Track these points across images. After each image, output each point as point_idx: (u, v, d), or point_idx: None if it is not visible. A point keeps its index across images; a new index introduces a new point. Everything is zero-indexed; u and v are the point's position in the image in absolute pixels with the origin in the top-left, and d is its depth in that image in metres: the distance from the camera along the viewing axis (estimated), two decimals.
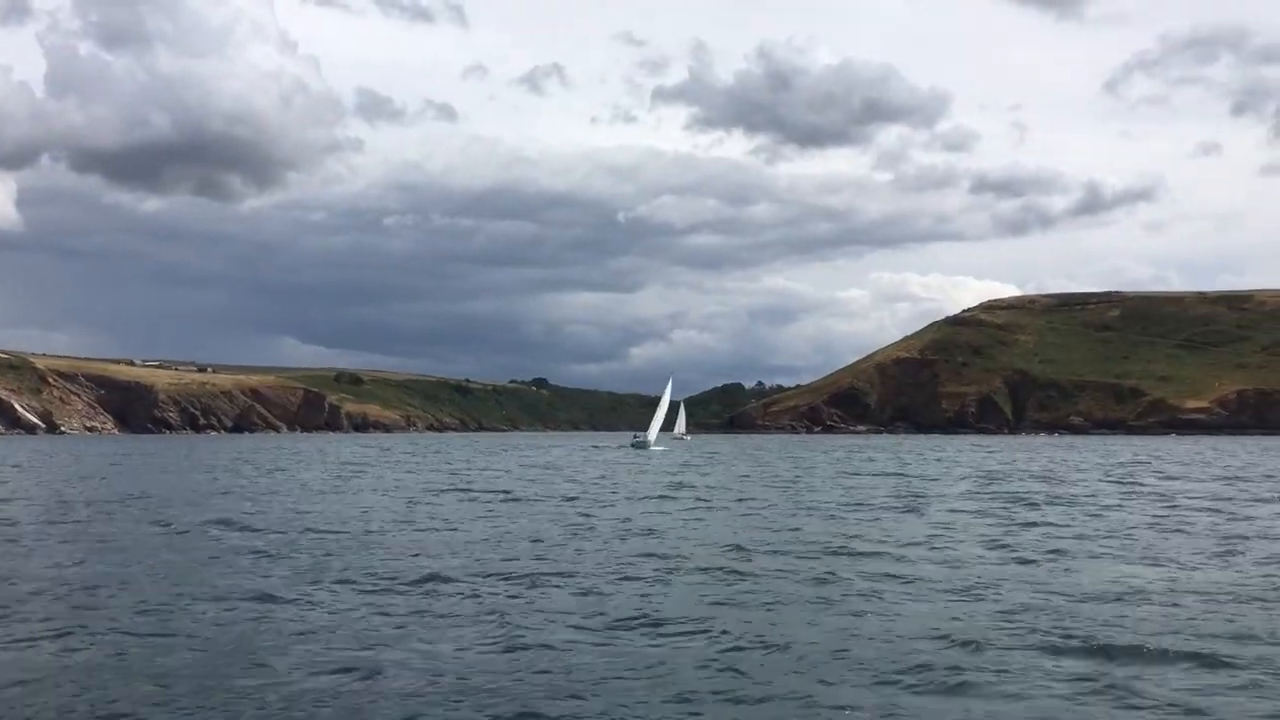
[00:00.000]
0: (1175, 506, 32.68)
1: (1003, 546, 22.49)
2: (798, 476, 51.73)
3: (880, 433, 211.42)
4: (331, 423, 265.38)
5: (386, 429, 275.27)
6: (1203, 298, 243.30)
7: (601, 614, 14.96)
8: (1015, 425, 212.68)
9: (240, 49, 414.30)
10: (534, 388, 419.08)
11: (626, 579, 18.00)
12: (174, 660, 12.39)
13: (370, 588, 17.10)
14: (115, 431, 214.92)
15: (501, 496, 37.05)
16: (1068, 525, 26.90)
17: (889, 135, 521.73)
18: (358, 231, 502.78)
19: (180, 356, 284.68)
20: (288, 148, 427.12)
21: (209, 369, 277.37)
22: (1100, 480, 48.20)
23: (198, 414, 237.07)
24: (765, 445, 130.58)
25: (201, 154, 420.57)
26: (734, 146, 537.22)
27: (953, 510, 31.41)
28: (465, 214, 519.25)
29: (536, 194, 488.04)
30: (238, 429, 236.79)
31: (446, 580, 17.67)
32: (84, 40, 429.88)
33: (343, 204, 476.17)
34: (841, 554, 21.25)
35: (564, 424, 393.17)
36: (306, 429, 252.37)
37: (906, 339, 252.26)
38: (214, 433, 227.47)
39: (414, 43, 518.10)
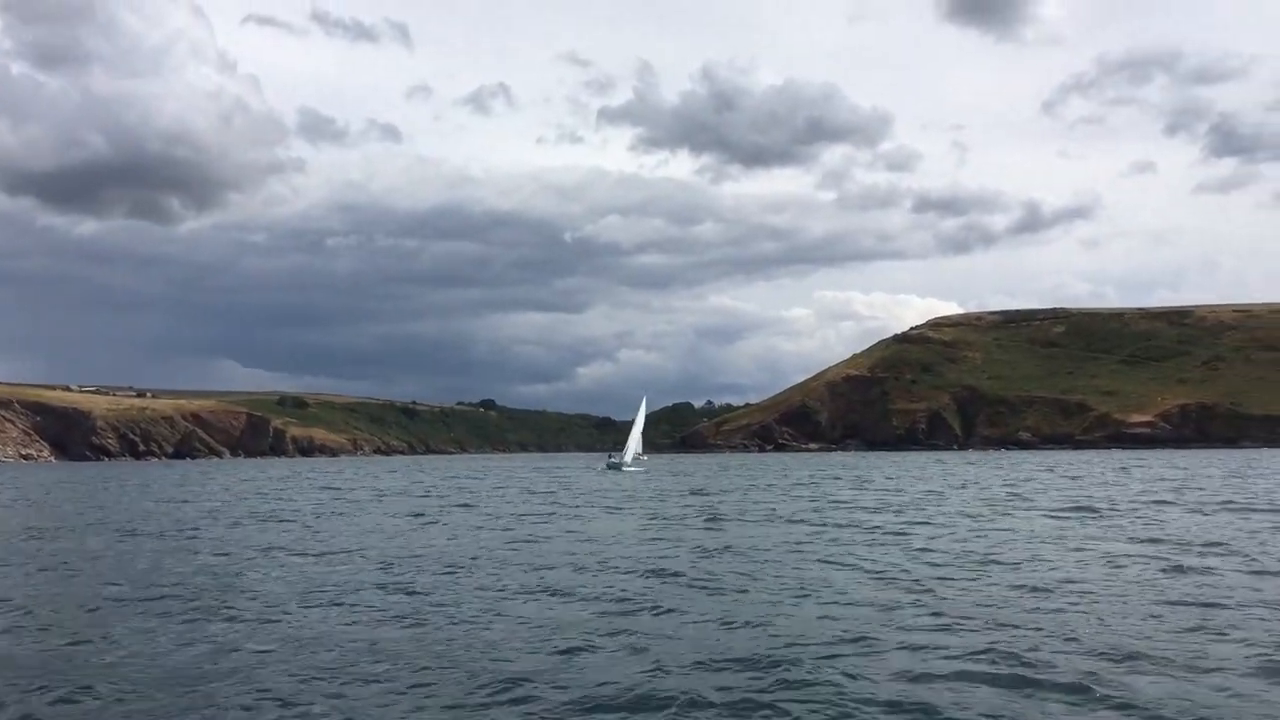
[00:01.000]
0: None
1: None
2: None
3: (832, 450, 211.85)
4: (276, 447, 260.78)
5: (333, 453, 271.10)
6: (1144, 313, 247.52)
7: None
8: (965, 441, 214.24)
9: (178, 69, 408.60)
10: (482, 409, 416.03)
11: None
12: None
13: None
14: (52, 459, 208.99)
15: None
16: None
17: (832, 155, 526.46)
18: (300, 253, 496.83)
19: (118, 381, 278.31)
20: (228, 168, 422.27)
21: (148, 394, 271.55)
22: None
23: (137, 440, 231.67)
24: (742, 465, 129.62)
25: (139, 175, 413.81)
26: (679, 166, 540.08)
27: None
28: (410, 234, 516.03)
29: (482, 214, 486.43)
30: (179, 455, 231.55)
31: None
32: (17, 60, 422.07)
33: (284, 225, 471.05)
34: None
35: (513, 446, 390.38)
36: (250, 454, 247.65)
37: (856, 357, 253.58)
38: (154, 459, 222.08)
39: (357, 62, 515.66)
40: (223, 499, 52.10)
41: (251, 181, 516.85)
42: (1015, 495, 45.83)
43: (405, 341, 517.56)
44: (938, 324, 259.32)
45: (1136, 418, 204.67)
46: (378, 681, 12.05)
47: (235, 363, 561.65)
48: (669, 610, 16.20)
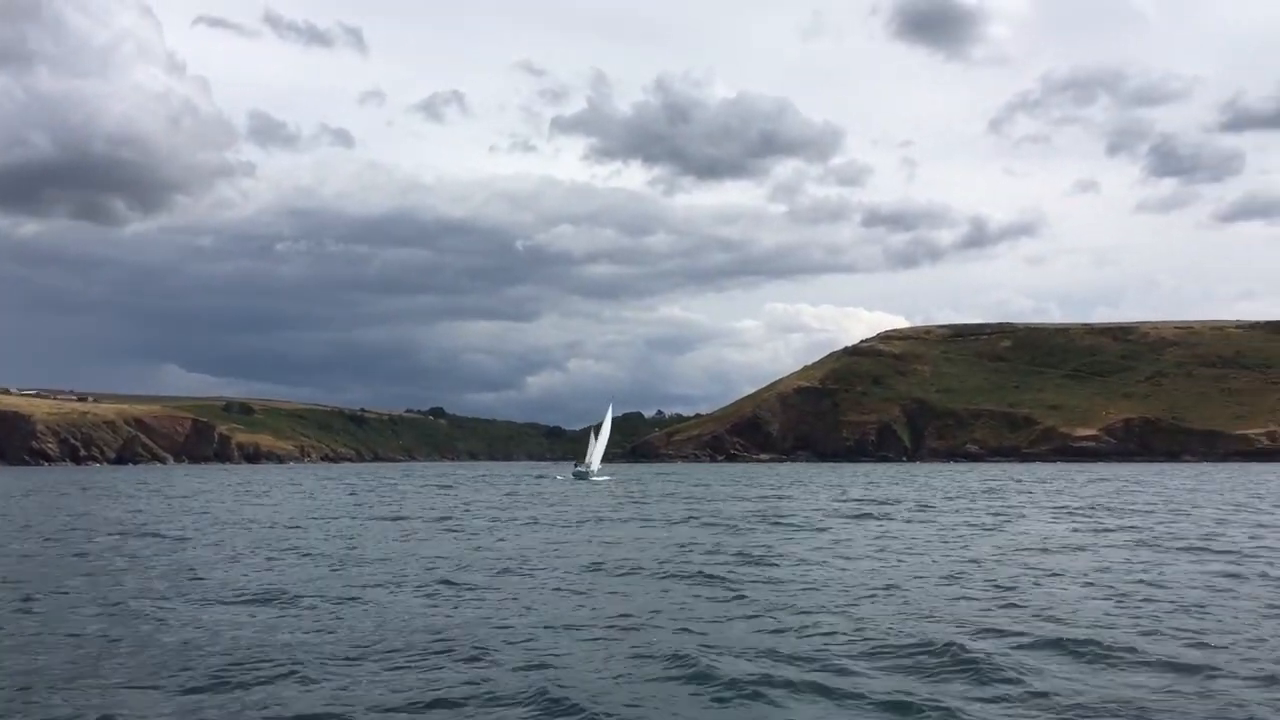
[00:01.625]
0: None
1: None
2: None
3: (783, 461, 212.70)
4: (221, 454, 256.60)
5: (280, 460, 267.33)
6: (1089, 329, 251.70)
7: None
8: (914, 453, 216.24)
9: (125, 69, 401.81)
10: (431, 417, 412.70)
11: None
12: None
13: None
14: None
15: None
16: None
17: (784, 168, 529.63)
18: (247, 257, 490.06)
19: (57, 385, 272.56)
20: (175, 170, 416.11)
21: (90, 398, 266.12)
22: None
23: (78, 445, 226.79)
24: (715, 474, 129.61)
25: (83, 176, 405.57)
26: (632, 177, 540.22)
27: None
28: (360, 240, 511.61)
29: (433, 221, 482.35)
30: (121, 461, 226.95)
31: None
32: None
33: (232, 229, 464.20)
34: None
35: (462, 454, 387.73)
36: (195, 460, 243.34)
37: (807, 368, 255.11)
38: (96, 464, 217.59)
39: (310, 67, 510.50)
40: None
41: (199, 184, 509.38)
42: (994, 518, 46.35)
43: (354, 348, 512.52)
44: (888, 337, 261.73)
45: (1081, 431, 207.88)
46: None
47: (178, 367, 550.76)
48: None
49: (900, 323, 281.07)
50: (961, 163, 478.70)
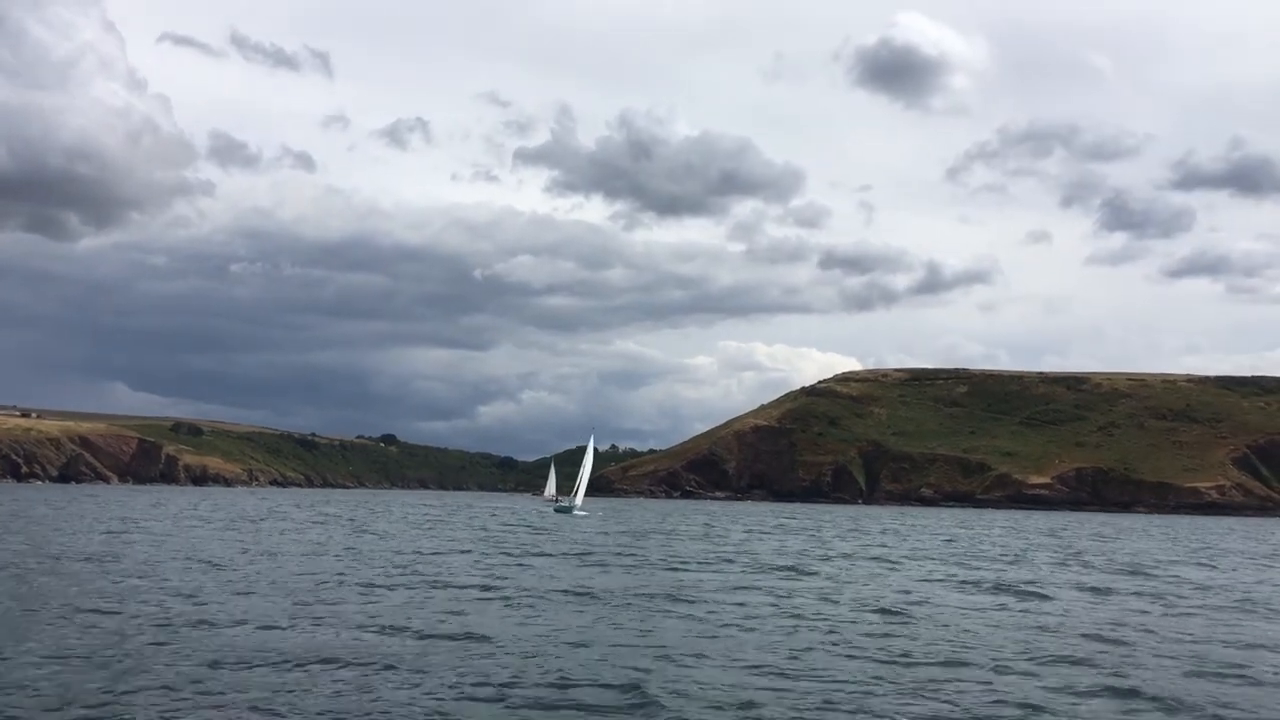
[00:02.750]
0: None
1: None
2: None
3: (739, 500, 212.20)
4: (168, 475, 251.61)
5: (227, 483, 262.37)
6: (1043, 378, 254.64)
7: None
8: (869, 495, 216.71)
9: (85, 84, 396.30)
10: (382, 444, 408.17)
11: None
12: None
13: None
14: None
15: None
16: None
17: (744, 208, 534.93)
18: (201, 277, 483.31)
19: (1, 400, 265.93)
20: (132, 187, 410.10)
21: (33, 414, 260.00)
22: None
23: (20, 461, 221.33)
24: (696, 511, 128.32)
25: (38, 189, 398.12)
26: (593, 211, 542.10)
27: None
28: (316, 264, 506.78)
29: (391, 247, 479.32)
30: (64, 479, 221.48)
31: None
32: None
33: (187, 248, 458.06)
34: None
35: (413, 482, 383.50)
36: (140, 481, 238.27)
37: (764, 407, 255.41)
38: (39, 482, 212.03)
39: (275, 89, 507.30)
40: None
41: (155, 202, 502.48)
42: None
43: (305, 372, 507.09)
44: (845, 379, 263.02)
45: (1035, 479, 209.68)
46: None
47: (125, 386, 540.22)
48: None
49: (853, 365, 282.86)
50: (919, 209, 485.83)
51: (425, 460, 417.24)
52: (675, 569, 33.85)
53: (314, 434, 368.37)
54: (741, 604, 24.32)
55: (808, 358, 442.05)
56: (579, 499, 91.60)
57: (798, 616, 22.45)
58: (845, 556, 43.30)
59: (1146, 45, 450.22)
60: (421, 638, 18.35)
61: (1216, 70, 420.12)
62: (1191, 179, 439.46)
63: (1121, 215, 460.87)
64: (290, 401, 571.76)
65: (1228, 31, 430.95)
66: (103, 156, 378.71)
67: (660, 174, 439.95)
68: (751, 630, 20.32)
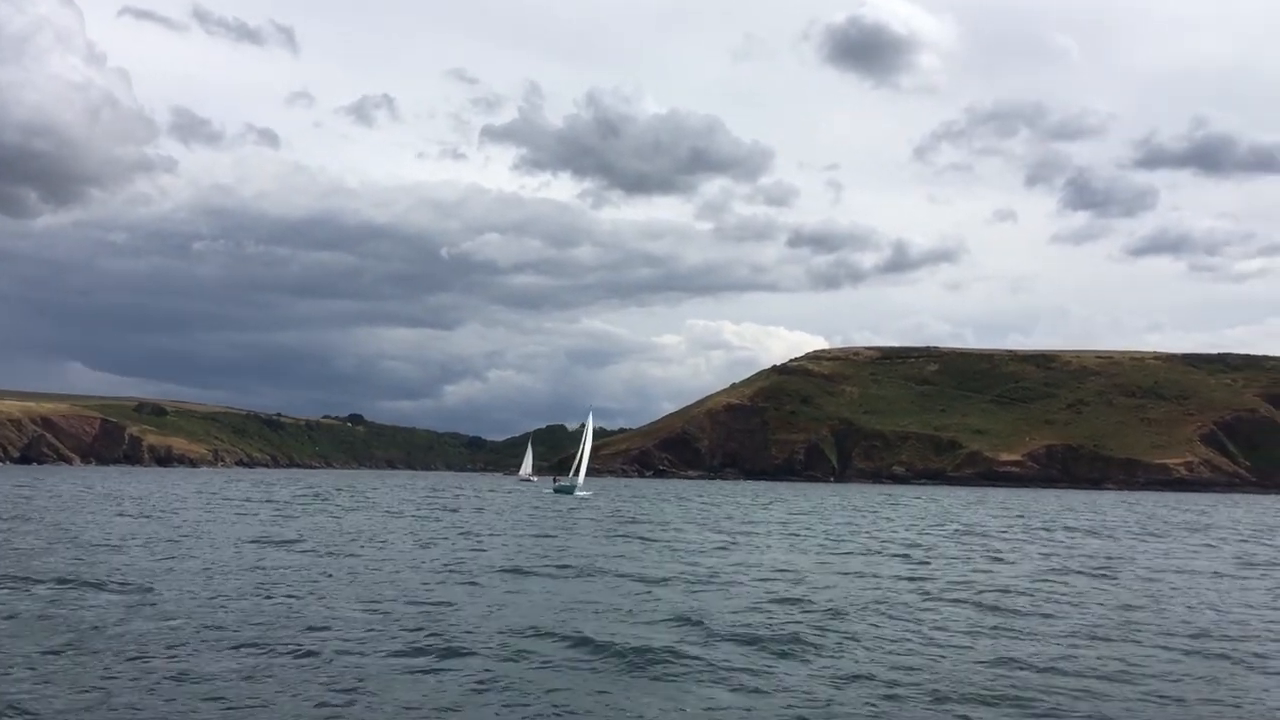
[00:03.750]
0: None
1: None
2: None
3: (711, 478, 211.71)
4: (131, 456, 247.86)
5: (193, 463, 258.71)
6: (1013, 355, 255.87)
7: None
8: (841, 473, 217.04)
9: (41, 58, 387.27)
10: (349, 424, 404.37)
11: None
12: None
13: None
14: None
15: None
16: None
17: (712, 186, 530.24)
18: (162, 255, 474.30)
19: None
20: (91, 163, 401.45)
21: None
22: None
23: None
24: (699, 491, 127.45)
25: None
26: (561, 189, 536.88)
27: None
28: (280, 242, 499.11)
29: (356, 225, 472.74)
30: (25, 460, 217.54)
31: None
32: None
33: (148, 225, 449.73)
34: None
35: (380, 462, 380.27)
36: (103, 462, 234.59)
37: (736, 386, 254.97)
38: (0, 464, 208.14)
39: (239, 64, 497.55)
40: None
41: (115, 179, 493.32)
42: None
43: (270, 351, 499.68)
44: (816, 357, 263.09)
45: (1006, 456, 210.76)
46: None
47: (81, 365, 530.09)
48: None
49: (820, 343, 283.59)
50: (886, 188, 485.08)
51: (393, 440, 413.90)
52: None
53: (280, 414, 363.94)
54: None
55: (776, 336, 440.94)
56: (581, 478, 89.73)
57: None
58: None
59: (1111, 25, 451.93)
60: None
61: (1179, 50, 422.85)
62: (1154, 158, 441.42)
63: (1085, 194, 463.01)
64: (254, 381, 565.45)
65: (1190, 12, 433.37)
66: (60, 132, 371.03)
67: (628, 152, 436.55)
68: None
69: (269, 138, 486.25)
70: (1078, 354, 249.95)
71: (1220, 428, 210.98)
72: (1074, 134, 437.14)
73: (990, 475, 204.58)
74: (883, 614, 19.59)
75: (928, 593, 23.13)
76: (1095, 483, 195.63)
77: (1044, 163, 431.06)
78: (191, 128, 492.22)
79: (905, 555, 33.14)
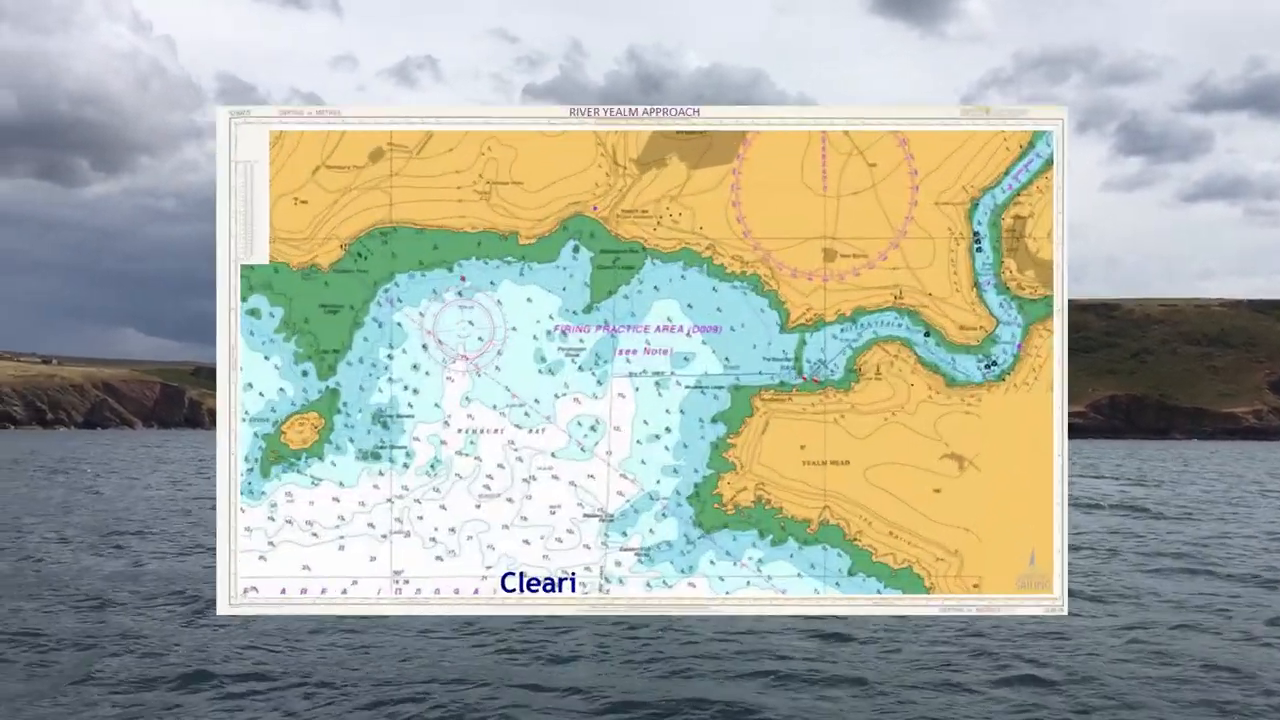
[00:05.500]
0: None
1: None
2: None
3: None
4: (192, 419, 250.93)
5: None
6: (1074, 304, 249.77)
7: None
8: None
9: (88, 28, 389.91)
10: None
11: None
12: None
13: None
14: None
15: None
16: None
17: None
18: (212, 221, 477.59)
19: (15, 347, 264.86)
20: (141, 131, 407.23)
21: (54, 360, 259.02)
22: None
23: (45, 409, 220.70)
24: None
25: (47, 135, 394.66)
26: None
27: None
28: None
29: None
30: (89, 425, 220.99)
31: None
32: None
33: (196, 192, 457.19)
34: None
35: None
36: (164, 425, 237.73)
37: None
38: (64, 429, 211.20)
39: (283, 29, 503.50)
40: None
41: (165, 146, 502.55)
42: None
43: None
44: None
45: (1070, 407, 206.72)
46: None
47: (137, 331, 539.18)
48: None
49: None
50: None
51: None
52: None
53: None
54: None
55: None
56: None
57: None
58: None
59: None
60: None
61: None
62: (1210, 101, 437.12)
63: (1138, 139, 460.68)
64: None
65: None
66: (110, 100, 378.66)
67: None
68: None
69: (313, 101, 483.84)
70: (1140, 302, 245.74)
71: None
72: (1128, 78, 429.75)
73: None
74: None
75: None
76: (1161, 432, 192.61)
77: (1095, 108, 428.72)
78: (237, 94, 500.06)
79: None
